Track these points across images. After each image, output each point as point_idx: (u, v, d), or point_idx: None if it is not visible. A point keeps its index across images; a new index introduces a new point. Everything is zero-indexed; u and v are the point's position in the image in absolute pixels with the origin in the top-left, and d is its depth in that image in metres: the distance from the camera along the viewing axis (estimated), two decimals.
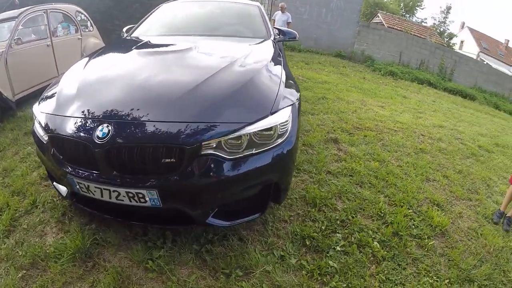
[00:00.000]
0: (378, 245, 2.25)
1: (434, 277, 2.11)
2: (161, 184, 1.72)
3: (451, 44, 31.41)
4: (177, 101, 1.87)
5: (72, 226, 2.24)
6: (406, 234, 2.44)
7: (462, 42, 36.38)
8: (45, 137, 1.97)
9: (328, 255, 2.10)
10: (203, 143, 1.70)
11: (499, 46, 37.99)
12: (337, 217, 2.50)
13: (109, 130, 1.71)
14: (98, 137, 1.70)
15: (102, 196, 1.83)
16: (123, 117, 1.80)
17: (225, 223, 1.95)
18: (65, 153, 1.89)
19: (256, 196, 1.98)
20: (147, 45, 3.02)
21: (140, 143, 1.72)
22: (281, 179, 2.00)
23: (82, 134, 1.79)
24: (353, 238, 2.30)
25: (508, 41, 39.11)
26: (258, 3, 4.22)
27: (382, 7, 26.62)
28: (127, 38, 3.44)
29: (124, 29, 3.74)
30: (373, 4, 27.96)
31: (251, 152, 1.78)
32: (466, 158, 4.60)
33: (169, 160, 1.73)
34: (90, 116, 1.84)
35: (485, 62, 28.04)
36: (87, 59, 2.61)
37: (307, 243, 2.18)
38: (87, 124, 1.81)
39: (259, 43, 3.06)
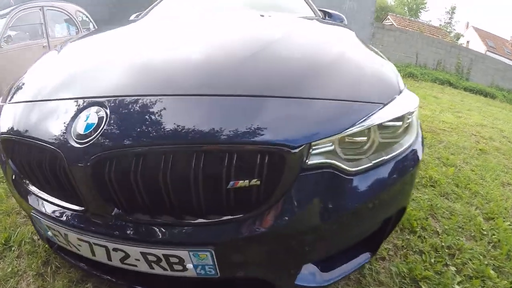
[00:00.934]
0: (494, 274, 1.89)
1: None
2: (224, 236, 0.90)
3: (459, 43, 31.44)
4: (256, 71, 1.09)
5: (56, 284, 1.52)
6: None
7: (468, 42, 36.26)
8: None
9: None
10: (308, 145, 0.89)
11: (505, 44, 37.82)
12: (442, 244, 2.07)
13: (100, 118, 0.91)
14: (78, 135, 0.90)
15: (93, 255, 1.02)
16: (131, 91, 1.01)
17: (323, 279, 1.12)
18: (22, 168, 1.09)
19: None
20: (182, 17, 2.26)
21: (178, 145, 0.87)
22: (408, 201, 1.30)
23: (48, 131, 0.96)
24: (469, 270, 1.88)
25: None
26: None
27: (389, 10, 26.62)
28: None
29: (133, 16, 2.80)
30: (379, 9, 28.03)
31: (382, 159, 1.02)
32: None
33: (248, 182, 0.85)
34: (64, 96, 1.05)
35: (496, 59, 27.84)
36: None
37: (423, 287, 1.70)
38: (59, 111, 0.99)
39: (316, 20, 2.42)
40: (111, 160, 0.87)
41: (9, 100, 1.19)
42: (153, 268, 0.96)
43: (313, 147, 0.89)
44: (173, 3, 2.84)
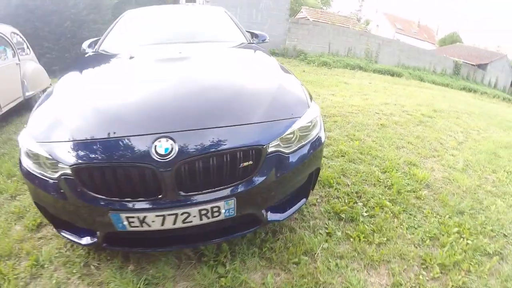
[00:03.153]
0: (390, 204, 2.77)
1: (437, 216, 2.70)
2: (239, 191, 1.66)
3: (368, 30, 34.21)
4: (233, 106, 1.85)
5: (105, 274, 1.95)
6: (405, 191, 3.02)
7: (377, 26, 39.78)
8: (54, 175, 1.64)
9: (360, 221, 2.54)
10: (269, 143, 1.72)
11: (412, 25, 42.34)
12: (352, 191, 2.98)
13: (171, 145, 1.54)
14: (159, 154, 1.52)
15: (162, 225, 1.63)
16: (183, 127, 1.64)
17: (283, 216, 1.99)
18: (103, 185, 1.59)
19: (301, 185, 2.07)
20: (143, 54, 2.78)
21: (216, 151, 1.59)
22: (320, 164, 2.15)
23: (134, 155, 1.55)
24: (372, 203, 2.79)
25: (420, 20, 43.64)
26: (221, 8, 4.32)
27: (302, 3, 28.18)
28: (103, 51, 3.07)
29: (86, 44, 3.40)
30: (293, 1, 29.57)
31: (302, 144, 1.88)
32: (417, 126, 5.42)
33: (247, 163, 1.66)
34: (137, 133, 1.61)
35: (401, 41, 30.85)
36: (75, 74, 2.38)
37: (342, 216, 2.59)
38: (137, 143, 1.58)
39: (246, 47, 3.17)
40: (184, 165, 1.55)
41: (72, 137, 1.64)
42: (201, 220, 1.66)
43: (270, 144, 1.73)
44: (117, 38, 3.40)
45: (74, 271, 1.98)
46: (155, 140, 1.56)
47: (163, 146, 1.54)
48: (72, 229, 1.88)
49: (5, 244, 2.20)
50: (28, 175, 1.75)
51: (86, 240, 1.83)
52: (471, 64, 24.44)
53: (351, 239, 2.33)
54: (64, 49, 9.98)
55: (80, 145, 1.62)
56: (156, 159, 1.51)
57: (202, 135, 1.63)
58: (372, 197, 2.87)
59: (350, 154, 3.77)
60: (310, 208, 2.69)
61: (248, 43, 3.39)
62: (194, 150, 1.57)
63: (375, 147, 4.06)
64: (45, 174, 1.68)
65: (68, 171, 1.58)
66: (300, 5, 27.18)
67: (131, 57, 2.64)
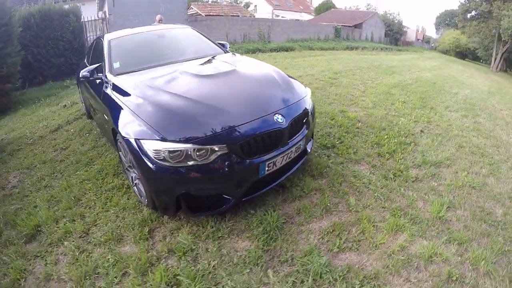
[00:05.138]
0: (346, 134, 4.33)
1: (372, 133, 4.37)
2: (305, 133, 2.83)
3: (250, 11, 36.38)
4: (287, 93, 2.92)
5: (252, 219, 2.65)
6: (349, 126, 4.64)
7: (255, 6, 42.22)
8: (220, 151, 2.30)
9: (337, 146, 4.00)
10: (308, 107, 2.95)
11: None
12: (322, 133, 4.42)
13: (281, 116, 2.54)
14: (279, 122, 2.50)
15: (281, 163, 2.60)
16: (279, 107, 2.65)
17: (310, 148, 3.18)
18: (254, 149, 2.41)
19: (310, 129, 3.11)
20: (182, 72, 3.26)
21: (298, 114, 2.72)
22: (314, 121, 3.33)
23: (269, 126, 2.47)
24: (337, 136, 4.33)
25: None
26: (188, 26, 5.01)
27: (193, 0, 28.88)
28: (127, 74, 3.35)
29: (84, 72, 3.51)
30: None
31: (312, 106, 3.15)
32: (331, 87, 7.16)
33: (305, 119, 2.88)
34: (264, 114, 2.53)
35: (280, 17, 33.67)
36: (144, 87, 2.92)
37: (328, 146, 4.00)
38: (267, 119, 2.49)
39: (232, 55, 4.08)
40: (289, 124, 2.58)
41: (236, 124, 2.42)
42: (294, 154, 2.73)
43: (308, 108, 2.98)
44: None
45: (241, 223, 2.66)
46: (274, 115, 2.55)
47: (279, 118, 2.54)
48: (205, 206, 2.53)
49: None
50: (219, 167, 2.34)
51: (224, 206, 2.49)
52: (349, 26, 28.42)
53: (339, 155, 3.77)
54: None
55: (236, 128, 2.41)
56: (279, 125, 2.50)
57: (289, 109, 2.71)
58: (335, 133, 4.40)
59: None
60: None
61: (225, 52, 4.29)
62: (290, 116, 2.63)
63: (316, 107, 5.62)
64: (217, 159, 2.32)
65: (218, 150, 2.31)
66: (190, 2, 28.00)
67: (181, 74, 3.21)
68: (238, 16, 20.12)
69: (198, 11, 22.84)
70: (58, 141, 5.01)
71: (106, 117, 3.18)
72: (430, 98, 6.83)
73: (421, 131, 4.65)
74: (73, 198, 3.20)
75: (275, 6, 40.37)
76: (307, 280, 2.07)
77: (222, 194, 2.47)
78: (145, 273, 2.22)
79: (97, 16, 13.63)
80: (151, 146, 2.28)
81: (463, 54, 45.01)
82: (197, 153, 2.25)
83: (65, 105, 7.21)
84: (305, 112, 2.86)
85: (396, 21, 39.76)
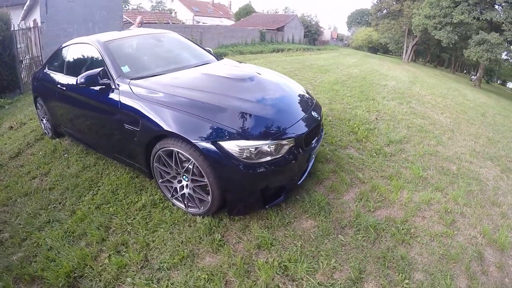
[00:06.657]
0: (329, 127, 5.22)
1: (345, 124, 5.30)
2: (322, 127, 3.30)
3: (174, 17, 36.23)
4: (303, 96, 3.34)
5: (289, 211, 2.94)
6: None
7: (175, 12, 42.09)
8: (289, 145, 2.59)
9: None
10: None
11: (208, 5, 46.20)
12: None
13: (314, 114, 3.03)
14: (317, 117, 3.04)
15: (316, 149, 3.05)
16: (309, 108, 3.08)
17: (321, 134, 3.40)
18: (306, 141, 2.77)
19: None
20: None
21: (320, 115, 3.17)
22: None
23: (312, 121, 2.93)
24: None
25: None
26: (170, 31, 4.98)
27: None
28: (138, 78, 3.15)
29: (83, 77, 3.10)
30: None
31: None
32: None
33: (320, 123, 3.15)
34: (305, 113, 2.96)
35: (201, 23, 34.23)
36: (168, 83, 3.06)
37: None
38: (309, 117, 2.96)
39: (226, 60, 4.26)
40: (310, 132, 2.91)
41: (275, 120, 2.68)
42: (317, 144, 3.06)
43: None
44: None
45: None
46: (312, 112, 3.06)
47: (315, 113, 3.06)
48: (268, 198, 2.72)
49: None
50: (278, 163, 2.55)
51: (283, 196, 2.80)
52: (272, 29, 30.14)
53: (330, 143, 4.46)
54: None
55: (290, 128, 2.70)
56: (318, 118, 3.05)
57: (315, 106, 3.23)
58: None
59: None
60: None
61: (216, 58, 4.33)
62: (317, 115, 3.12)
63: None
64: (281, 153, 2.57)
65: (287, 144, 2.60)
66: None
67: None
68: (168, 23, 20.22)
69: (129, 20, 22.36)
70: (29, 167, 4.22)
71: (128, 127, 2.96)
72: (368, 91, 8.06)
73: (376, 118, 5.73)
74: (100, 227, 2.84)
75: (196, 12, 40.70)
76: (372, 233, 2.75)
77: (283, 185, 2.75)
78: (247, 274, 2.36)
79: (21, 25, 12.31)
80: (234, 146, 2.39)
81: (375, 48, 49.99)
82: (273, 148, 2.48)
83: (12, 127, 6.18)
84: (320, 108, 3.47)
85: (313, 23, 43.22)
